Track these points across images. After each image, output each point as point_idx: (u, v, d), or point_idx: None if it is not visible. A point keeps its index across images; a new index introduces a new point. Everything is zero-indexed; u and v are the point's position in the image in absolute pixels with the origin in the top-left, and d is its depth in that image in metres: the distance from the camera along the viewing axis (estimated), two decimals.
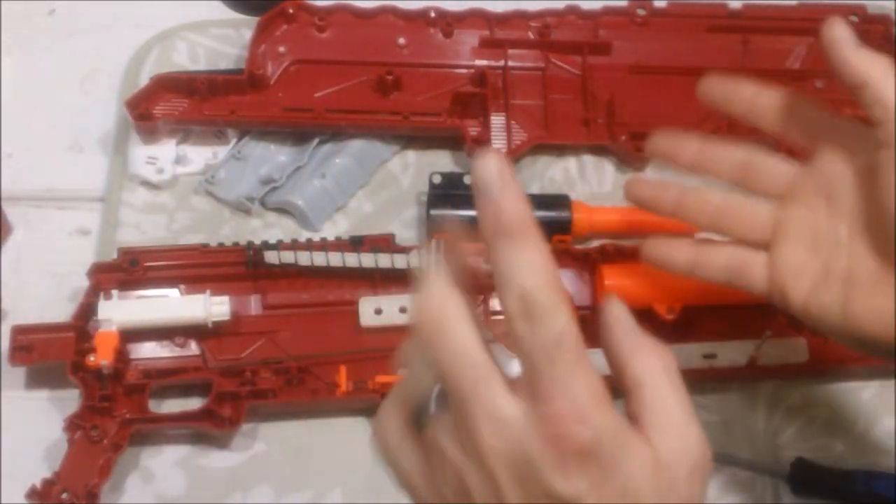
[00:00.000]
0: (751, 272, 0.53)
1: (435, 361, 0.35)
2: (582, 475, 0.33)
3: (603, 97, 0.75)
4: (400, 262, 0.66)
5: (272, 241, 0.68)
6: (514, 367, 0.67)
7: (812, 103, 0.53)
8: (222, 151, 0.73)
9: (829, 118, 0.52)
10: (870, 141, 0.47)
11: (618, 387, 0.37)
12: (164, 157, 0.73)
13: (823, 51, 0.48)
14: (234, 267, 0.67)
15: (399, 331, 0.66)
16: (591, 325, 0.67)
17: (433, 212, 0.69)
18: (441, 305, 0.36)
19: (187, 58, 0.78)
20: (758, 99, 0.54)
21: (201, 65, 0.78)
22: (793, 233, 0.51)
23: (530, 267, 0.34)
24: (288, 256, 0.66)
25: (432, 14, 0.76)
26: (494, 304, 0.68)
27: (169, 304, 0.65)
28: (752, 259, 0.54)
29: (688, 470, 0.35)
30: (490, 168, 0.35)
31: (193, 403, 0.65)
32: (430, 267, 0.37)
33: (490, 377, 0.35)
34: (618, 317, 0.38)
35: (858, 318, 0.47)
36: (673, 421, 0.36)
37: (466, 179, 0.71)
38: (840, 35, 0.47)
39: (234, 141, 0.74)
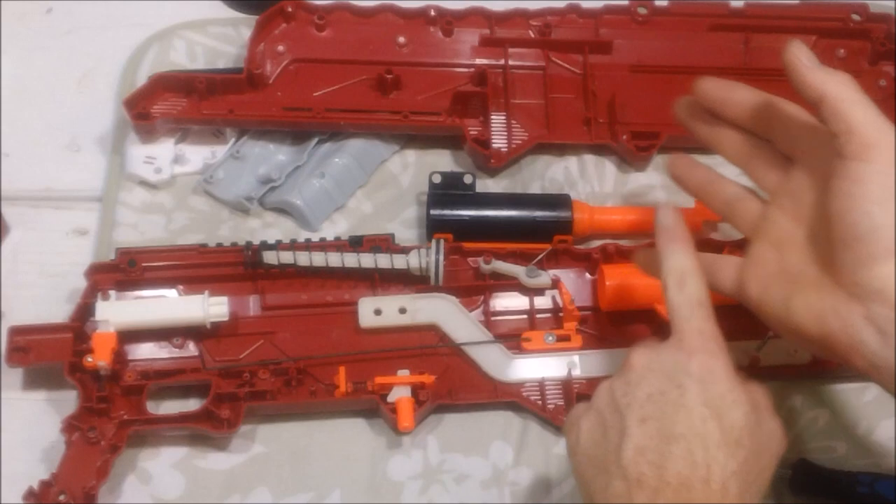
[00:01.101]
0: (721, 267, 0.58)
1: None
2: (696, 374, 0.49)
3: (604, 96, 0.75)
4: (399, 262, 0.66)
5: (271, 241, 0.67)
6: (515, 368, 0.67)
7: (798, 109, 0.55)
8: (221, 151, 0.73)
9: (811, 127, 0.54)
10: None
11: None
12: (162, 156, 0.72)
13: (786, 71, 0.51)
14: (233, 267, 0.66)
15: (398, 331, 0.66)
16: (592, 324, 0.68)
17: (433, 212, 0.69)
18: None
19: (186, 57, 0.78)
20: (748, 103, 0.57)
21: (200, 64, 0.78)
22: (764, 231, 0.55)
23: (685, 259, 0.53)
24: (287, 257, 0.65)
25: (432, 13, 0.76)
26: (494, 304, 0.68)
27: (167, 304, 0.65)
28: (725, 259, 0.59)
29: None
30: (668, 213, 0.55)
31: (192, 405, 0.64)
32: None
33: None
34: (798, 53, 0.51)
35: (795, 314, 0.51)
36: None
37: (466, 179, 0.70)
38: (798, 55, 0.51)
39: (232, 140, 0.74)
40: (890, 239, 0.47)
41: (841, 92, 0.49)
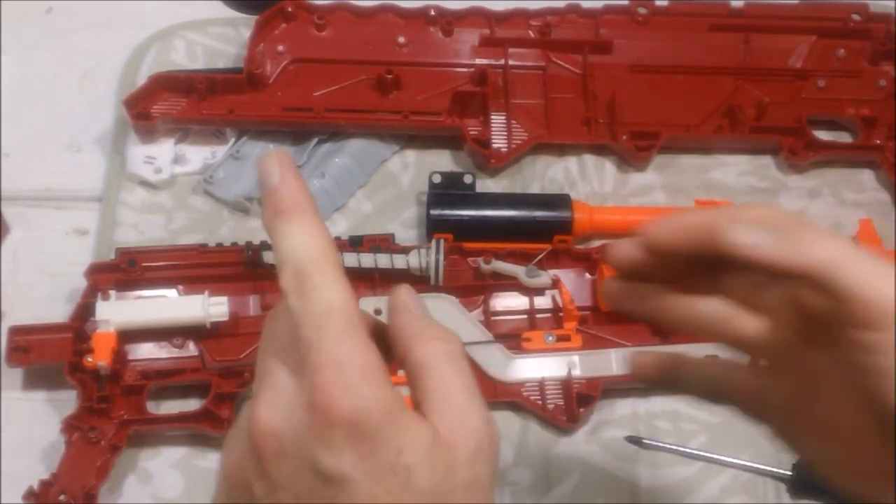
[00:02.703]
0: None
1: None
2: (348, 449, 0.31)
3: (604, 96, 0.75)
4: (400, 262, 0.66)
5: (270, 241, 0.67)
6: (515, 368, 0.67)
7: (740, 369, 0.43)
8: (221, 151, 0.73)
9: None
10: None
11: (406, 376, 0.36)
12: (162, 156, 0.72)
13: (747, 263, 0.37)
14: (233, 267, 0.66)
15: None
16: (592, 324, 0.68)
17: (433, 212, 0.69)
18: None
19: (186, 57, 0.78)
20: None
21: (200, 64, 0.78)
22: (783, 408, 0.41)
23: (303, 243, 0.34)
24: None
25: (432, 13, 0.76)
26: (494, 304, 0.68)
27: (167, 304, 0.65)
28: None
29: (470, 450, 0.33)
30: (270, 160, 0.35)
31: (192, 404, 0.64)
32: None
33: (275, 355, 0.34)
34: (404, 302, 0.37)
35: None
36: (454, 403, 0.34)
37: (466, 179, 0.70)
38: (754, 240, 0.36)
39: (232, 140, 0.74)
40: None
41: (831, 255, 0.35)
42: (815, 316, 0.37)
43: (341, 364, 0.32)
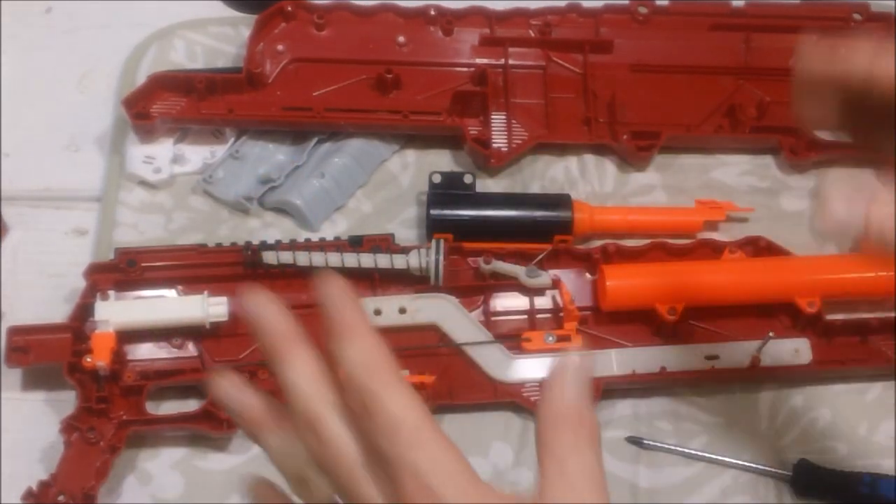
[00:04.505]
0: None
1: (317, 458, 0.37)
2: None
3: (604, 96, 0.74)
4: (399, 262, 0.66)
5: (270, 241, 0.67)
6: (515, 368, 0.66)
7: None
8: (220, 151, 0.73)
9: None
10: None
11: None
12: (161, 156, 0.72)
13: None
14: (233, 267, 0.66)
15: (398, 331, 0.66)
16: (592, 324, 0.67)
17: (433, 212, 0.69)
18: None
19: (185, 56, 0.78)
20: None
21: (199, 63, 0.77)
22: None
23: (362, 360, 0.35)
24: (286, 257, 0.65)
25: (432, 12, 0.76)
26: (494, 304, 0.68)
27: (166, 304, 0.65)
28: None
29: None
30: (329, 287, 0.37)
31: (191, 405, 0.64)
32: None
33: (360, 466, 0.35)
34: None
35: None
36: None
37: (466, 179, 0.70)
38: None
39: (231, 140, 0.73)
40: None
41: None
42: None
43: (419, 472, 0.33)
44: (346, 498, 0.36)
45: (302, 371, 0.36)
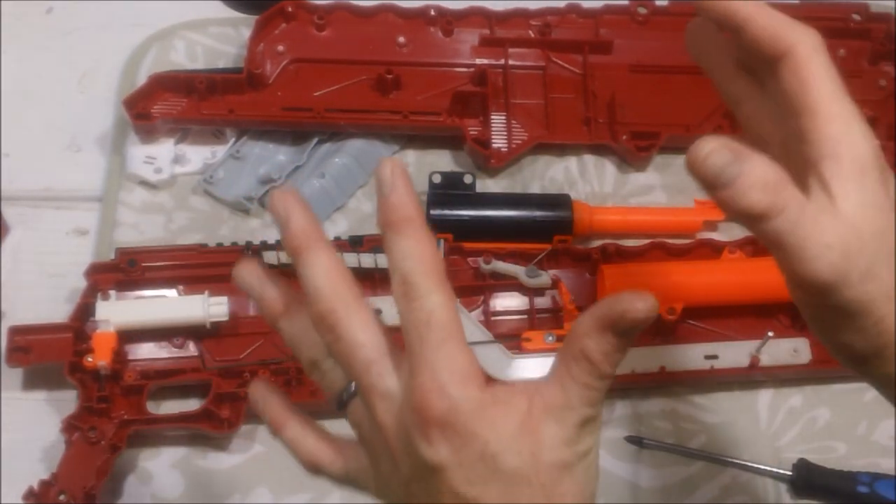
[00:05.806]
0: None
1: (334, 352, 0.40)
2: (443, 443, 0.37)
3: (604, 96, 0.75)
4: None
5: (271, 241, 0.67)
6: (515, 368, 0.67)
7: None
8: (221, 151, 0.73)
9: None
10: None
11: None
12: (162, 156, 0.72)
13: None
14: (233, 267, 0.66)
15: (398, 331, 0.66)
16: None
17: (433, 212, 0.69)
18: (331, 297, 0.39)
19: (185, 57, 0.78)
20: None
21: (200, 64, 0.78)
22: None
23: (411, 253, 0.38)
24: (287, 257, 0.65)
25: (432, 13, 0.76)
26: (494, 304, 0.68)
27: (167, 304, 0.65)
28: None
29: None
30: (385, 169, 0.39)
31: (192, 404, 0.64)
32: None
33: (380, 359, 0.39)
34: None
35: None
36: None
37: (466, 179, 0.70)
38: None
39: (232, 140, 0.73)
40: None
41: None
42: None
43: (437, 370, 0.37)
44: (361, 387, 0.39)
45: (322, 268, 0.39)
